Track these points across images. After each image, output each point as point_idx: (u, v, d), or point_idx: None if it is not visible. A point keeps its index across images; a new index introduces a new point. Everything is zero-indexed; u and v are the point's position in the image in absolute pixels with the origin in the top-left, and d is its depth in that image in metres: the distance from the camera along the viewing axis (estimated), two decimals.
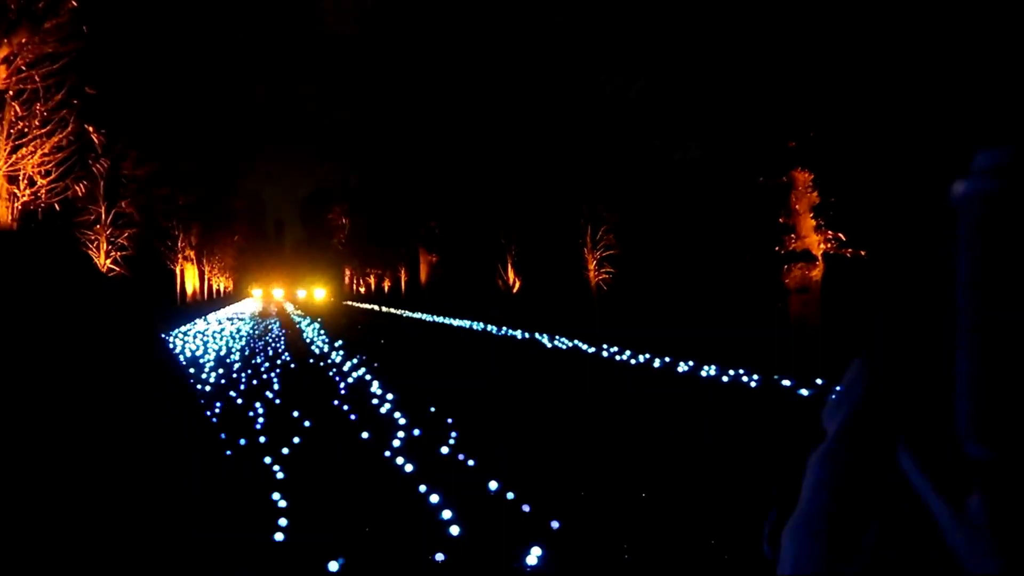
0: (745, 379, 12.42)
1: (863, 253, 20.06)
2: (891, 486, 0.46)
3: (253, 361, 15.43)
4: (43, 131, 19.89)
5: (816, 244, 21.01)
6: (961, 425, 0.41)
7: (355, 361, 15.16)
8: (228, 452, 6.92)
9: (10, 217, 18.85)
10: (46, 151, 19.99)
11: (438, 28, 50.39)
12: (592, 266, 32.90)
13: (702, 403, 10.04)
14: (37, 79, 19.25)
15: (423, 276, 56.09)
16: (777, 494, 0.67)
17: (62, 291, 0.27)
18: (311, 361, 15.79)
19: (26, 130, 19.60)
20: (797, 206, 21.15)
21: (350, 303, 64.80)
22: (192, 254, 54.64)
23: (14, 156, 19.36)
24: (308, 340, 21.42)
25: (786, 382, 12.02)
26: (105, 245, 28.47)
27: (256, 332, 24.85)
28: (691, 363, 14.71)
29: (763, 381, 12.16)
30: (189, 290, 55.19)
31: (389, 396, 10.42)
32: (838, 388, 0.53)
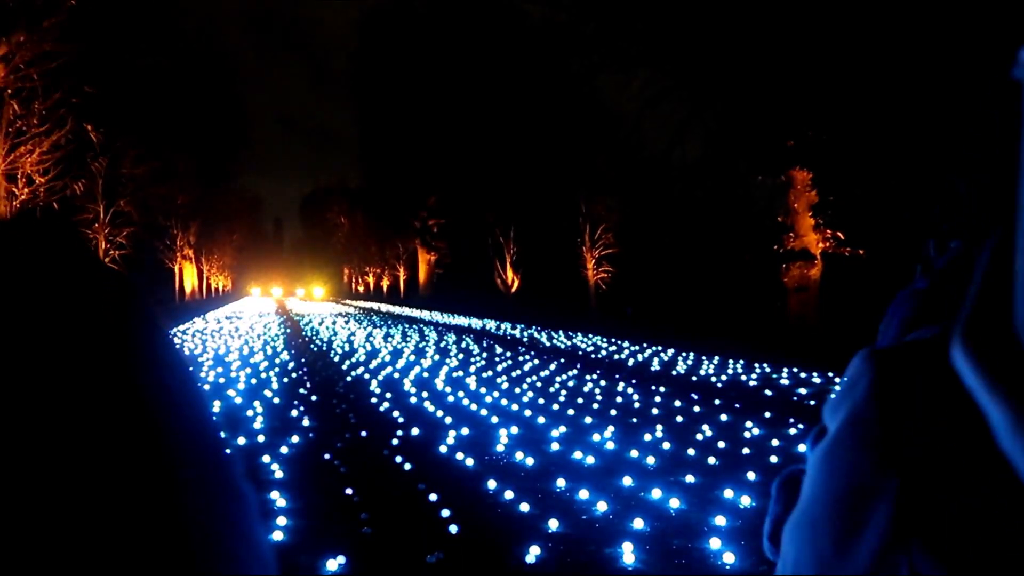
0: (744, 377, 12.42)
1: (861, 252, 20.06)
2: (939, 392, 0.44)
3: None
4: (41, 129, 19.86)
5: (815, 243, 21.02)
6: (1021, 318, 0.38)
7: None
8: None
9: (8, 216, 18.80)
10: (44, 149, 19.96)
11: (438, 26, 50.33)
12: (591, 265, 32.88)
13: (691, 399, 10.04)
14: (35, 77, 19.22)
15: (422, 275, 56.05)
16: (777, 492, 0.67)
17: (61, 280, 0.26)
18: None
19: (24, 128, 19.58)
20: (796, 205, 21.16)
21: (349, 301, 64.72)
22: (191, 253, 54.59)
23: (12, 154, 19.33)
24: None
25: (784, 380, 12.02)
26: (104, 244, 28.44)
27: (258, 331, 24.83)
28: (689, 360, 14.73)
29: (761, 378, 12.16)
30: (188, 288, 55.17)
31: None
32: (839, 385, 0.52)
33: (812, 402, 10.01)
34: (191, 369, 0.35)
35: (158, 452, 0.28)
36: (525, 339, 20.68)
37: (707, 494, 5.82)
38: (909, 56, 14.76)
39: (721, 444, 7.46)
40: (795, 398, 10.40)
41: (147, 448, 0.27)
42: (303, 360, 15.59)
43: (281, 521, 5.15)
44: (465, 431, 8.06)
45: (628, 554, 4.56)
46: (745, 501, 5.60)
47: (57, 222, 0.33)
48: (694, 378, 12.50)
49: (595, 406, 9.68)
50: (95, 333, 0.28)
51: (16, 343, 0.26)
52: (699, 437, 7.80)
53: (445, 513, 5.30)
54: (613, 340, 19.71)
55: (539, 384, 11.71)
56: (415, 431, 8.07)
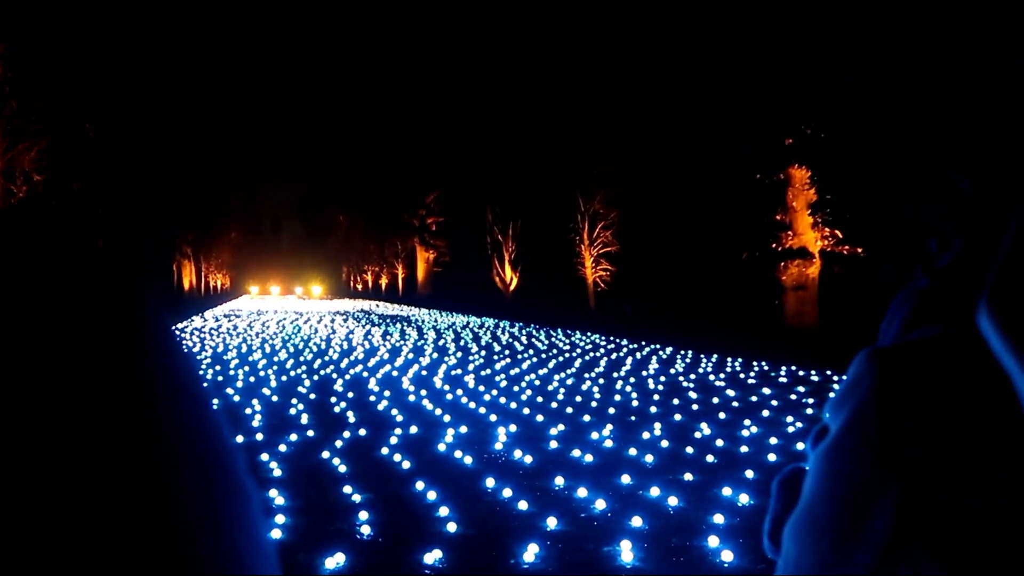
0: (741, 375, 12.43)
1: (860, 251, 20.07)
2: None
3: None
4: (39, 127, 19.85)
5: (813, 241, 21.02)
6: None
7: None
8: None
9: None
10: (43, 147, 19.95)
11: (439, 21, 50.30)
12: (589, 263, 32.84)
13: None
14: (35, 75, 19.20)
15: (421, 273, 56.03)
16: (777, 490, 0.67)
17: (59, 272, 0.26)
18: None
19: (23, 126, 19.56)
20: (794, 203, 21.15)
21: (347, 300, 64.73)
22: (189, 251, 54.59)
23: (11, 152, 19.31)
24: None
25: (783, 378, 12.03)
26: (101, 241, 28.42)
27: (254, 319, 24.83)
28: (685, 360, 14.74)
29: (759, 379, 12.17)
30: (186, 286, 55.18)
31: None
32: (841, 384, 0.52)
33: (810, 400, 10.01)
34: (192, 362, 0.34)
35: (159, 444, 0.28)
36: (523, 338, 20.70)
37: (704, 492, 5.82)
38: (909, 51, 14.76)
39: (719, 443, 7.47)
40: (793, 396, 10.40)
41: (148, 440, 0.27)
42: (301, 359, 15.58)
43: (279, 519, 5.15)
44: (463, 429, 8.06)
45: (626, 552, 4.56)
46: (743, 499, 5.61)
47: (54, 216, 0.34)
48: (692, 376, 12.50)
49: (593, 404, 9.68)
50: (94, 325, 0.28)
51: (12, 337, 0.26)
52: (697, 435, 7.80)
53: (443, 511, 5.30)
54: (611, 339, 19.72)
55: (537, 383, 11.71)
56: (413, 429, 8.07)
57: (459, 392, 10.71)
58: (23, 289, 0.27)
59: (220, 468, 0.32)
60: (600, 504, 5.48)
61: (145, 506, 0.26)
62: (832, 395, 0.56)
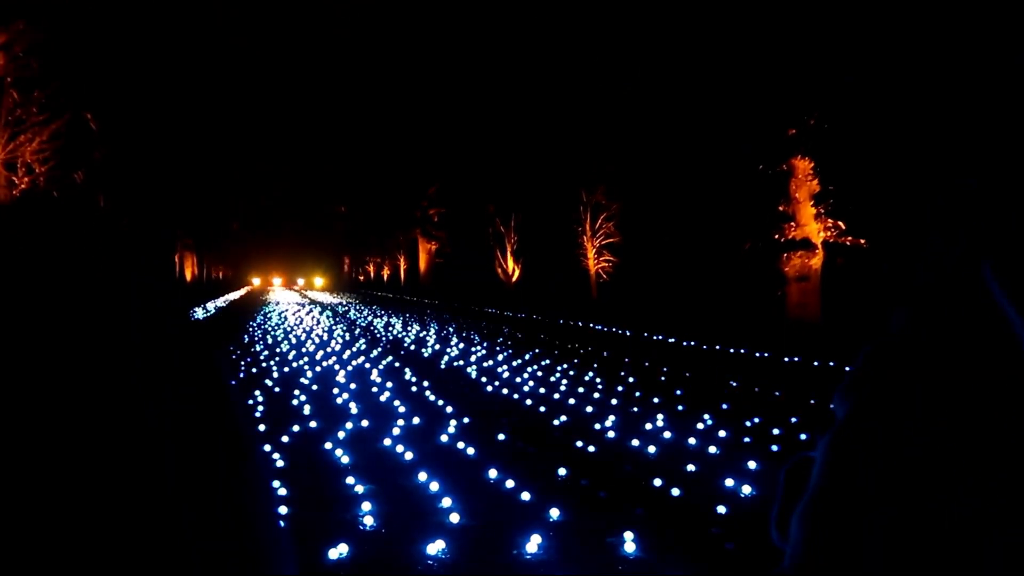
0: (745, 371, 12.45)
1: (863, 242, 20.04)
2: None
3: None
4: (41, 118, 19.84)
5: (816, 232, 20.98)
6: None
7: None
8: None
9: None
10: (44, 138, 19.94)
11: (440, 17, 50.16)
12: (591, 254, 32.82)
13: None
14: (35, 66, 19.18)
15: (423, 264, 56.03)
16: (785, 479, 0.67)
17: (67, 259, 0.26)
18: None
19: (24, 117, 19.55)
20: (797, 194, 21.11)
21: (344, 294, 64.73)
22: (191, 242, 54.63)
23: (12, 143, 19.31)
24: None
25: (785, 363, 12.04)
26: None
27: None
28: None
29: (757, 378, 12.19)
30: (188, 277, 55.26)
31: None
32: (847, 374, 0.52)
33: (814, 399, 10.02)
34: (208, 342, 0.34)
35: (179, 427, 0.28)
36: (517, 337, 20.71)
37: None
38: (912, 47, 14.70)
39: (722, 434, 7.49)
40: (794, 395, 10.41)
41: (166, 424, 0.27)
42: (299, 352, 15.64)
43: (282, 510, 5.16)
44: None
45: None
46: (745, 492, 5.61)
47: (67, 207, 0.34)
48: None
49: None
50: (116, 308, 0.28)
51: (35, 318, 0.26)
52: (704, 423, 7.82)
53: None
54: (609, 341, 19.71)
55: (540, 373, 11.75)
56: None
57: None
58: (37, 276, 0.27)
59: (244, 453, 0.32)
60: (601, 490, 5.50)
61: (173, 488, 0.26)
62: (840, 384, 0.56)
